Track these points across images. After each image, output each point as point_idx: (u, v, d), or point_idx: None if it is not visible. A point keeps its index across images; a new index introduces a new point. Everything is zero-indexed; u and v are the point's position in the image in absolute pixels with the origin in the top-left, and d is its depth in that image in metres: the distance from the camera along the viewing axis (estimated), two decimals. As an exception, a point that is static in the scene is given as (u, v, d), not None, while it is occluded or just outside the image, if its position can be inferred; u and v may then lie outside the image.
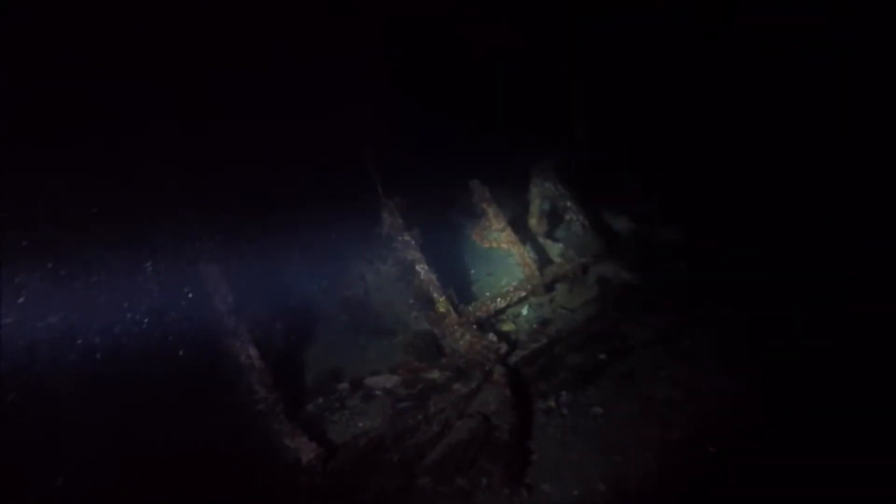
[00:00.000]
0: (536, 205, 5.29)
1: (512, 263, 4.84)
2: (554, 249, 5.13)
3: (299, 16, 4.29)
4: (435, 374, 3.93)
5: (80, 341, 3.19)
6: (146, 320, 3.29)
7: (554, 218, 5.32)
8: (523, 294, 4.56)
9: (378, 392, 3.84)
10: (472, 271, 5.07)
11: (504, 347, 4.04)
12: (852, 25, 5.00)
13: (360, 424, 3.55)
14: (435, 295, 4.24)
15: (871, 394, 3.95)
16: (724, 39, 5.22)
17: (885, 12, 4.93)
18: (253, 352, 3.40)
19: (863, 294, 4.68)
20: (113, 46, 3.55)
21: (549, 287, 4.71)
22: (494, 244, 4.94)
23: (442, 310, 4.19)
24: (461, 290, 4.57)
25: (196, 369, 3.41)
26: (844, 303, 4.68)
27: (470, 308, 4.31)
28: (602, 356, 4.49)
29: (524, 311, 4.70)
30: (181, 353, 3.35)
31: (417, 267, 4.32)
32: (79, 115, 3.49)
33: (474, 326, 4.15)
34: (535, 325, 4.50)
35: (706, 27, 5.18)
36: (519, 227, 5.04)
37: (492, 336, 4.12)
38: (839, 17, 4.96)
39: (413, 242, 4.38)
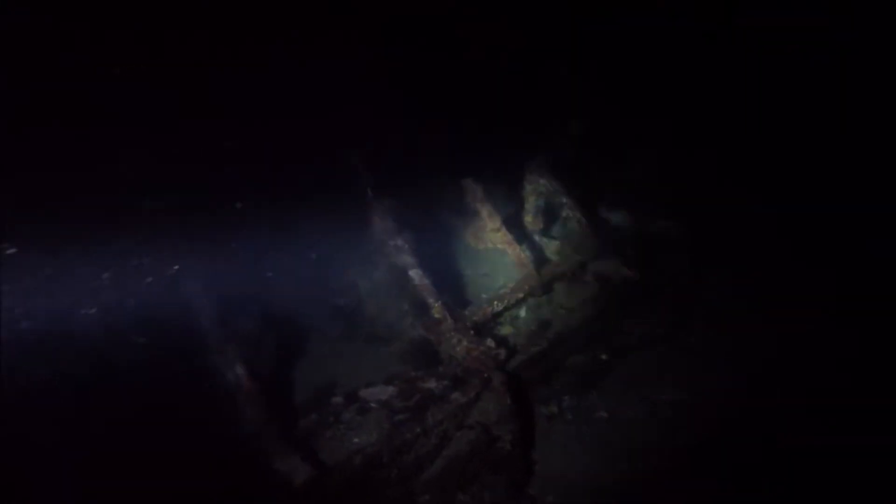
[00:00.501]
0: (531, 202, 5.16)
1: (508, 264, 4.70)
2: (551, 247, 5.02)
3: (293, 13, 4.16)
4: (432, 384, 3.80)
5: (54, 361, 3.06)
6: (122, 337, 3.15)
7: (550, 215, 5.20)
8: (521, 295, 4.42)
9: (373, 404, 3.71)
10: (468, 274, 4.92)
11: (502, 353, 3.92)
12: (852, 25, 4.93)
13: (356, 440, 3.43)
14: (430, 300, 4.09)
15: (882, 391, 3.84)
16: (725, 39, 5.12)
17: (885, 12, 4.86)
18: (240, 370, 3.26)
19: (865, 291, 4.59)
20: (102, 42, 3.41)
21: (547, 287, 4.58)
22: (490, 245, 4.83)
23: (437, 315, 4.05)
24: (457, 294, 4.45)
25: (180, 389, 3.27)
26: (848, 299, 4.58)
27: (466, 312, 4.16)
28: (604, 357, 4.37)
29: (522, 313, 4.58)
30: (163, 372, 3.21)
31: (411, 272, 4.17)
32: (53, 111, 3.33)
33: (471, 332, 4.01)
34: (533, 328, 4.38)
35: (706, 27, 5.09)
36: (514, 225, 4.91)
37: (490, 341, 3.99)
38: (839, 17, 4.88)
39: (405, 247, 4.23)
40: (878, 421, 3.61)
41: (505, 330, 4.39)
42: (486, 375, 3.73)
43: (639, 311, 4.63)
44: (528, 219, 5.22)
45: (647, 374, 4.23)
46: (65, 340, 3.05)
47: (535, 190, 5.13)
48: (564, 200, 5.04)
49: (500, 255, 4.79)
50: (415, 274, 4.21)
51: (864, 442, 3.47)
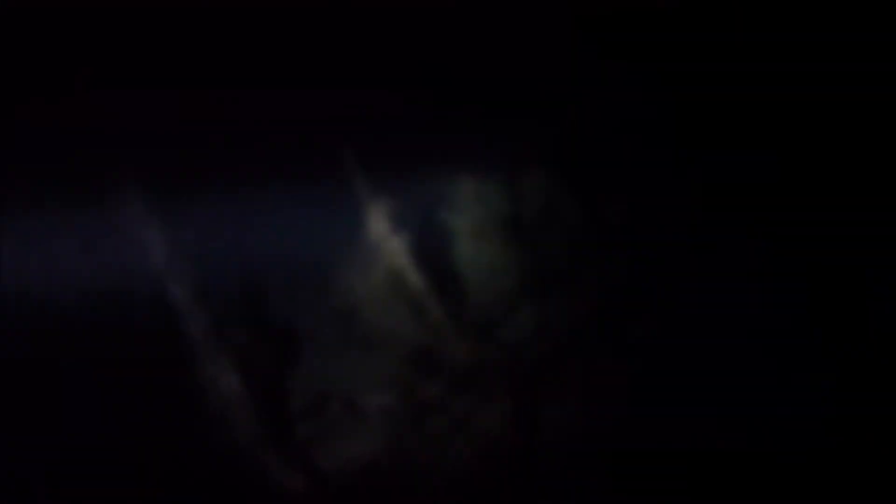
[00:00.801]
0: (529, 198, 5.14)
1: (507, 263, 4.67)
2: (549, 244, 4.99)
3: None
4: (432, 389, 3.78)
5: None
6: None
7: (548, 211, 5.17)
8: (520, 295, 4.41)
9: (372, 411, 3.68)
10: (466, 273, 4.89)
11: (503, 355, 3.90)
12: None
13: (353, 449, 3.42)
14: (428, 302, 4.07)
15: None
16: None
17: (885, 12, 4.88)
18: (233, 378, 3.21)
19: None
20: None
21: (547, 285, 4.56)
22: (488, 243, 4.80)
23: (437, 317, 4.03)
24: (455, 295, 4.40)
25: (167, 400, 3.20)
26: (850, 294, 4.57)
27: (466, 314, 4.15)
28: (608, 357, 4.33)
29: (522, 313, 4.55)
30: (149, 382, 3.13)
31: (408, 273, 4.14)
32: None
33: (472, 334, 4.00)
34: (535, 328, 4.36)
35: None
36: (512, 222, 4.90)
37: (490, 343, 3.97)
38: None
39: (402, 247, 4.19)
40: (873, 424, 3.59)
41: (506, 331, 4.36)
42: (488, 379, 3.72)
43: (642, 309, 4.61)
44: (527, 215, 5.20)
45: (653, 375, 4.19)
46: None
47: (534, 185, 5.12)
48: (564, 196, 5.03)
49: (498, 254, 4.77)
50: (412, 275, 4.18)
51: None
